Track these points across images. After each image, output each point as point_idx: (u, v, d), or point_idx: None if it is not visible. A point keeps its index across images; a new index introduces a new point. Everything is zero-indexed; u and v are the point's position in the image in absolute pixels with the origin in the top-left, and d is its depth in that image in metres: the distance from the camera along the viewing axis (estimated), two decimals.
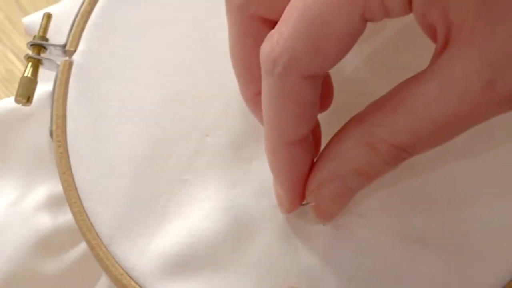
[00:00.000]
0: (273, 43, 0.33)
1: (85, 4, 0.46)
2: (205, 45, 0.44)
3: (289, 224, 0.40)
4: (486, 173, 0.40)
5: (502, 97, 0.31)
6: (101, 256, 0.40)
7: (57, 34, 0.46)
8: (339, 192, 0.36)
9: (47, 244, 0.43)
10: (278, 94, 0.34)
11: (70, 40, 0.45)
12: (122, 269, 0.40)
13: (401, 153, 0.33)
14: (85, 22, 0.45)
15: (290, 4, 0.33)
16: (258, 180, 0.41)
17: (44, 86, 0.46)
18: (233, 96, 0.43)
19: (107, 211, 0.41)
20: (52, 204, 0.43)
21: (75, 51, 0.45)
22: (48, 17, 0.47)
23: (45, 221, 0.43)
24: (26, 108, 0.46)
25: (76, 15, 0.45)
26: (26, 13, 0.58)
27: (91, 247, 0.40)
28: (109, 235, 0.40)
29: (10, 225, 0.44)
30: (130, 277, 0.39)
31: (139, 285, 0.39)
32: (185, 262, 0.39)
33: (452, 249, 0.39)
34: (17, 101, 0.44)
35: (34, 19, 0.50)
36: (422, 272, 0.38)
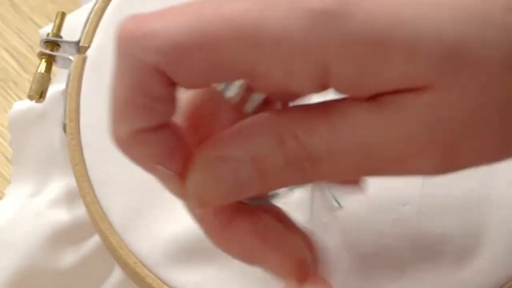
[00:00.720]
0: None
1: (99, 2, 0.46)
2: None
3: (302, 206, 0.40)
4: None
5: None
6: (114, 245, 0.39)
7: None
8: (225, 176, 0.29)
9: (60, 238, 0.42)
10: (131, 81, 0.28)
11: (83, 36, 0.45)
12: (136, 257, 0.39)
13: (303, 161, 0.28)
14: (99, 19, 0.46)
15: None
16: None
17: (56, 87, 0.46)
18: None
19: (120, 201, 0.40)
20: (62, 200, 0.43)
21: (88, 47, 0.45)
22: (62, 15, 0.47)
23: (57, 217, 0.43)
24: (38, 109, 0.46)
25: (90, 13, 0.46)
26: (19, 12, 0.59)
27: (104, 237, 0.40)
28: (122, 225, 0.40)
29: (23, 221, 0.43)
30: (144, 265, 0.39)
31: (153, 273, 0.39)
32: (199, 248, 0.39)
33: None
34: (30, 97, 0.44)
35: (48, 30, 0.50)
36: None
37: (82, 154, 0.42)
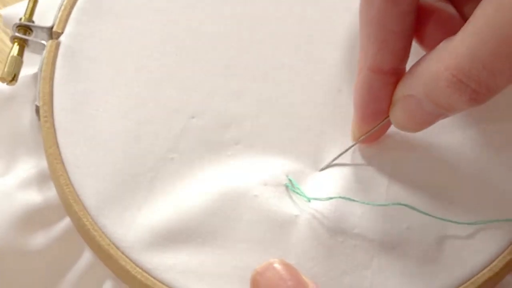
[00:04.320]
0: None
1: None
2: (192, 33, 0.45)
3: (274, 200, 0.40)
4: None
5: None
6: (88, 227, 0.40)
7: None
8: (411, 109, 0.37)
9: (30, 220, 0.42)
10: (364, 18, 0.36)
11: (57, 22, 0.45)
12: (110, 240, 0.40)
13: (461, 85, 0.33)
14: (72, 6, 0.46)
15: None
16: (243, 161, 0.42)
17: (27, 71, 0.46)
18: (219, 81, 0.44)
19: (94, 184, 0.41)
20: (33, 181, 0.43)
21: (61, 33, 0.45)
22: (34, 1, 0.47)
23: (27, 198, 0.42)
24: (7, 92, 0.46)
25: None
26: None
27: (77, 218, 0.40)
28: (96, 207, 0.40)
29: None
30: (117, 248, 0.39)
31: (126, 256, 0.39)
32: (172, 235, 0.40)
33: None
34: (2, 79, 0.44)
35: (13, 11, 0.50)
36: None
37: (55, 137, 0.42)
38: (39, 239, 0.42)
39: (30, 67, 0.46)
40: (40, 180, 0.43)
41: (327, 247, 0.39)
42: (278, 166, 0.42)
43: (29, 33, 0.46)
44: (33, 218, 0.42)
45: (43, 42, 0.45)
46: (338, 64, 0.44)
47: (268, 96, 0.43)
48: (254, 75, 0.44)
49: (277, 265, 0.37)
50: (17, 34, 0.45)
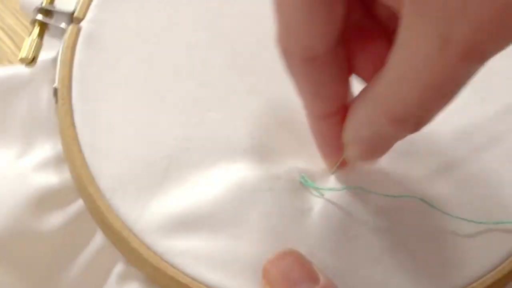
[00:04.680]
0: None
1: None
2: (214, 27, 0.45)
3: (288, 193, 0.41)
4: None
5: (459, 53, 0.29)
6: (102, 209, 0.40)
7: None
8: (363, 151, 0.37)
9: (42, 202, 0.42)
10: (290, 74, 0.36)
11: (78, 8, 0.46)
12: (123, 222, 0.40)
13: (402, 123, 0.33)
14: None
15: None
16: (258, 155, 0.42)
17: (44, 55, 0.46)
18: (238, 78, 0.44)
19: (109, 167, 0.41)
20: (49, 163, 0.43)
21: (83, 19, 0.45)
22: None
23: (44, 179, 0.43)
24: (24, 75, 0.46)
25: None
26: None
27: (91, 200, 0.40)
28: (111, 189, 0.40)
29: (7, 183, 0.43)
30: (130, 230, 0.39)
31: (140, 239, 0.39)
32: (185, 221, 0.40)
33: None
34: (22, 60, 0.44)
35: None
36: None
37: (72, 118, 0.42)
38: (52, 220, 0.42)
39: (47, 51, 0.46)
40: (56, 162, 0.43)
41: (340, 240, 0.40)
42: (292, 163, 0.42)
43: (49, 18, 0.46)
44: (46, 200, 0.42)
45: (63, 26, 0.45)
46: None
47: (283, 94, 0.44)
48: (270, 72, 0.44)
49: (289, 256, 0.38)
50: (37, 17, 0.46)
